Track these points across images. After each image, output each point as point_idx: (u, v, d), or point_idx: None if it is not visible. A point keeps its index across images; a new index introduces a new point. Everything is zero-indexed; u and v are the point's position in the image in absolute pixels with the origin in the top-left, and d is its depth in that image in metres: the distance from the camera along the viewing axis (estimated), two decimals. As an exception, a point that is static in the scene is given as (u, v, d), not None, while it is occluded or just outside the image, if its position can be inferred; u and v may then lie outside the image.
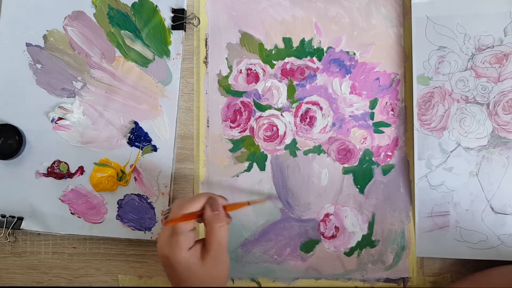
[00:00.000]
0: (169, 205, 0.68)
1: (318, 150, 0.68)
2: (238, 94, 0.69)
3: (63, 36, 0.69)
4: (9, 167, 0.69)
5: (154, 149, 0.69)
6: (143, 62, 0.69)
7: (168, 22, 0.69)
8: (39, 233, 0.70)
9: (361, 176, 0.68)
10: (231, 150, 0.69)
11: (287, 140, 0.69)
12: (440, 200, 0.66)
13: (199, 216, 0.56)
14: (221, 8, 0.69)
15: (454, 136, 0.65)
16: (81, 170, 0.69)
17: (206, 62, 0.69)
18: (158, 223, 0.68)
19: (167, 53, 0.69)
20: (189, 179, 0.70)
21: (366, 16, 0.68)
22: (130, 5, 0.69)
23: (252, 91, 0.69)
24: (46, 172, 0.69)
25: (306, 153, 0.68)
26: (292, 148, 0.69)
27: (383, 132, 0.68)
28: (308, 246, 0.69)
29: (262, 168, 0.69)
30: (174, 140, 0.69)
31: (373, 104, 0.68)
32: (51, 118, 0.68)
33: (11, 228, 0.68)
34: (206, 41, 0.69)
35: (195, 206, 0.56)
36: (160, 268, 0.70)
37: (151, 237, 0.68)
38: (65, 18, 0.69)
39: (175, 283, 0.56)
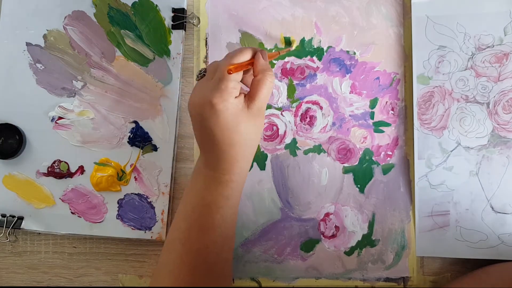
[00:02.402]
0: (169, 204, 0.68)
1: (318, 149, 0.68)
2: (238, 93, 0.69)
3: (63, 36, 0.69)
4: (9, 167, 0.69)
5: (154, 148, 0.69)
6: (143, 61, 0.69)
7: (168, 22, 0.69)
8: (39, 233, 0.70)
9: (361, 175, 0.68)
10: (231, 150, 0.69)
11: (287, 140, 0.69)
12: (440, 200, 0.66)
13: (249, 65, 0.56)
14: (221, 7, 0.69)
15: (454, 135, 0.65)
16: (81, 169, 0.69)
17: (206, 62, 0.69)
18: (158, 222, 0.68)
19: (167, 52, 0.69)
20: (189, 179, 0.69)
21: (366, 16, 0.68)
22: (130, 4, 0.69)
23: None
24: (46, 171, 0.69)
25: (306, 152, 0.68)
26: (292, 147, 0.69)
27: (383, 131, 0.68)
28: (308, 245, 0.69)
29: (262, 167, 0.69)
30: (174, 140, 0.69)
31: (373, 104, 0.68)
32: (51, 118, 0.68)
33: (12, 227, 0.68)
34: (206, 41, 0.69)
35: (246, 56, 0.56)
36: (160, 268, 0.70)
37: (151, 237, 0.68)
38: (65, 17, 0.69)
39: (217, 135, 0.54)
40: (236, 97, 0.54)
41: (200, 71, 0.58)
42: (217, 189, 0.56)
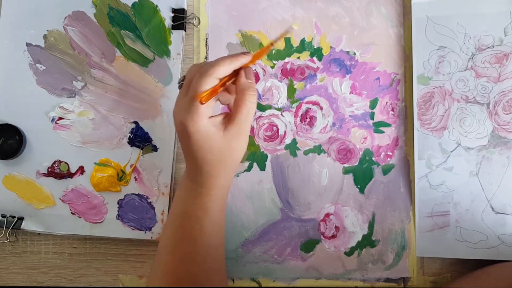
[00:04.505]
0: (169, 204, 0.68)
1: (318, 150, 0.68)
2: (238, 94, 0.69)
3: (63, 36, 0.69)
4: (9, 167, 0.69)
5: (155, 149, 0.69)
6: (143, 62, 0.69)
7: (168, 22, 0.69)
8: (39, 233, 0.70)
9: (361, 176, 0.68)
10: (231, 150, 0.69)
11: (287, 140, 0.69)
12: (440, 200, 0.66)
13: (227, 81, 0.53)
14: (221, 8, 0.69)
15: (454, 136, 0.65)
16: (81, 170, 0.69)
17: (206, 62, 0.69)
18: (158, 222, 0.68)
19: (167, 53, 0.69)
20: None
21: (366, 16, 0.68)
22: (130, 5, 0.69)
23: (252, 91, 0.69)
24: (46, 172, 0.69)
25: (306, 153, 0.68)
26: (292, 148, 0.69)
27: (383, 132, 0.68)
28: (308, 246, 0.69)
29: (262, 168, 0.69)
30: (174, 140, 0.69)
31: (373, 104, 0.68)
32: (51, 118, 0.68)
33: (12, 228, 0.68)
34: (206, 41, 0.69)
35: (222, 74, 0.52)
36: (160, 268, 0.70)
37: (151, 237, 0.68)
38: (65, 18, 0.69)
39: (191, 153, 0.53)
40: (211, 117, 0.53)
41: (181, 79, 0.57)
42: (195, 200, 0.56)
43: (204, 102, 0.50)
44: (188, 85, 0.53)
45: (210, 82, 0.51)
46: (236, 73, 0.54)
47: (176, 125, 0.54)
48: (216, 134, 0.52)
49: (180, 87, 0.56)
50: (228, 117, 0.54)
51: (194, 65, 0.56)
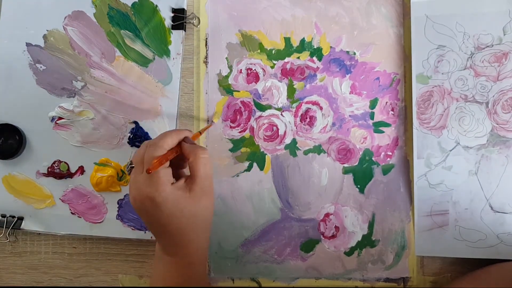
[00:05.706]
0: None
1: (318, 150, 0.69)
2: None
3: (63, 36, 0.69)
4: (9, 167, 0.69)
5: (154, 149, 0.69)
6: (143, 62, 0.69)
7: (168, 22, 0.69)
8: (39, 233, 0.70)
9: (361, 176, 0.68)
10: (231, 150, 0.69)
11: (287, 140, 0.69)
12: (439, 199, 0.66)
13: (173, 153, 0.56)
14: (221, 8, 0.69)
15: (453, 135, 0.65)
16: (81, 170, 0.69)
17: (206, 62, 0.69)
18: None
19: (167, 53, 0.69)
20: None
21: (366, 16, 0.68)
22: (130, 5, 0.69)
23: (252, 91, 0.69)
24: (46, 172, 0.69)
25: (306, 153, 0.69)
26: (292, 148, 0.69)
27: (383, 132, 0.68)
28: (308, 246, 0.69)
29: (262, 168, 0.69)
30: (174, 140, 0.69)
31: (373, 104, 0.68)
32: (51, 118, 0.68)
33: (11, 228, 0.68)
34: (206, 41, 0.70)
35: (169, 144, 0.55)
36: (160, 268, 0.70)
37: (151, 237, 0.68)
38: (65, 18, 0.69)
39: (164, 226, 0.54)
40: (173, 183, 0.54)
41: (129, 164, 0.57)
42: (181, 274, 0.57)
43: (151, 172, 0.52)
44: (141, 162, 0.54)
45: (160, 152, 0.54)
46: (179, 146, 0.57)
47: (140, 203, 0.54)
48: (183, 197, 0.54)
49: (129, 171, 0.57)
50: (190, 179, 0.55)
51: (142, 144, 0.57)
